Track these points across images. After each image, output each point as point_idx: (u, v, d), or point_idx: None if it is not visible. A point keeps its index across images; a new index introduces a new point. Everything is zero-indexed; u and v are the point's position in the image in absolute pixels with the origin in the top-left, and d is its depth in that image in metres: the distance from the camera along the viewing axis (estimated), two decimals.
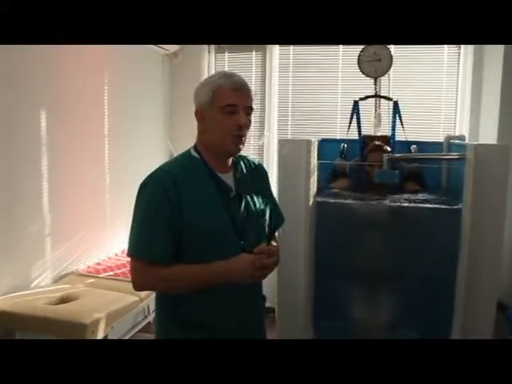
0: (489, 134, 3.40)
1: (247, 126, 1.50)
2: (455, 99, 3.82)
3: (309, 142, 2.25)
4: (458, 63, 3.78)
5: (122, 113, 3.47)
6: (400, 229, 2.29)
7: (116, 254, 3.42)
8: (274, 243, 1.64)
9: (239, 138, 1.49)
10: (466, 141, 2.93)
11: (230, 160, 1.57)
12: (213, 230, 1.47)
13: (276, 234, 1.74)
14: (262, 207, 1.63)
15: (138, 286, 1.51)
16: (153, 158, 3.49)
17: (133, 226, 1.47)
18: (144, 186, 1.48)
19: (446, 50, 3.79)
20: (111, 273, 3.06)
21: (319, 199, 2.38)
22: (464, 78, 3.76)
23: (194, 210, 1.45)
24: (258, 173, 1.67)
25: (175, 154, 1.65)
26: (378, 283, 2.32)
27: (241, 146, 1.51)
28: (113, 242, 3.42)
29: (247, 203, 1.55)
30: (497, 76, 3.29)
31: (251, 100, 1.52)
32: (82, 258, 3.16)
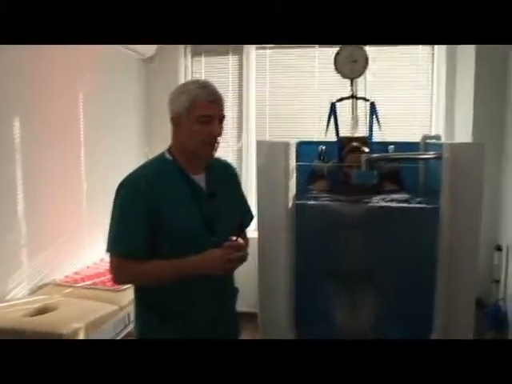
0: (464, 133, 3.44)
1: (221, 133, 1.63)
2: (430, 99, 3.87)
3: (287, 144, 2.24)
4: (433, 64, 3.84)
5: (99, 119, 3.43)
6: (379, 229, 2.29)
7: (94, 263, 3.36)
8: (240, 239, 1.71)
9: (213, 145, 1.61)
10: (442, 140, 2.95)
11: (202, 163, 1.67)
12: (186, 228, 1.59)
13: (245, 230, 1.84)
14: (233, 206, 1.76)
15: (118, 280, 1.66)
16: (130, 164, 3.41)
17: (111, 225, 1.59)
18: (120, 187, 1.59)
19: (421, 51, 3.84)
20: (90, 282, 3.01)
21: (298, 201, 2.37)
22: (438, 79, 3.81)
23: (167, 208, 1.57)
24: (228, 173, 1.80)
25: None
26: (359, 284, 2.32)
27: (214, 152, 1.64)
28: (91, 250, 3.36)
29: (218, 202, 1.66)
30: (470, 75, 3.34)
31: (224, 109, 1.64)
32: (59, 268, 3.10)
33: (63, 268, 3.13)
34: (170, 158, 1.64)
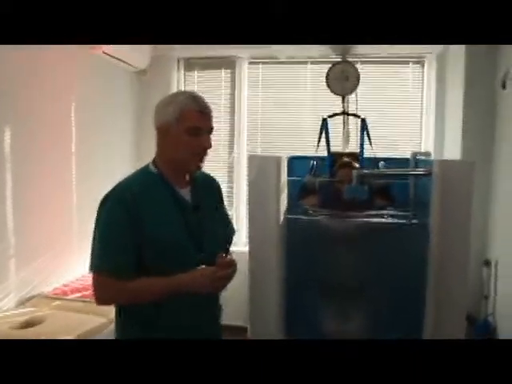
0: (453, 150, 3.49)
1: (209, 146, 1.59)
2: (420, 117, 3.92)
3: (279, 159, 2.25)
4: (422, 81, 3.90)
5: (91, 131, 3.43)
6: (370, 244, 2.30)
7: (83, 275, 3.32)
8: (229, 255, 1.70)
9: (202, 157, 1.58)
10: (432, 157, 2.99)
11: (188, 175, 1.64)
12: (172, 243, 1.53)
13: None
14: (218, 220, 1.73)
15: (102, 300, 1.55)
16: (122, 176, 3.42)
17: (94, 241, 1.52)
18: (104, 202, 1.53)
19: (411, 69, 3.90)
20: (79, 294, 2.97)
21: (290, 216, 2.38)
22: (428, 96, 3.87)
23: (153, 223, 1.51)
24: (212, 187, 1.77)
25: None
26: (349, 298, 2.32)
27: (202, 165, 1.61)
28: (80, 262, 3.33)
29: (204, 216, 1.62)
30: (459, 93, 3.39)
31: (212, 121, 1.60)
32: (48, 280, 3.06)
33: (52, 280, 3.10)
34: (155, 170, 1.60)
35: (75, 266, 3.30)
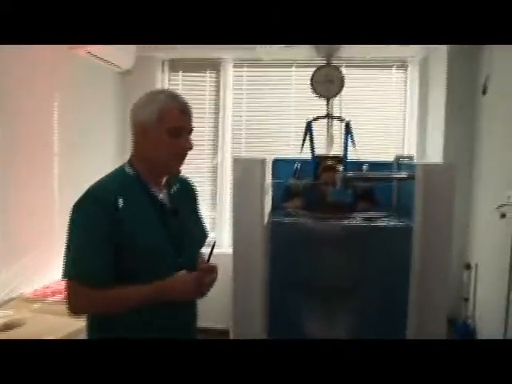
0: (435, 153, 3.53)
1: (190, 147, 1.53)
2: (403, 120, 3.96)
3: (263, 161, 2.25)
4: (405, 85, 3.94)
5: (74, 132, 3.39)
6: (354, 246, 2.32)
7: None
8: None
9: (182, 159, 1.53)
10: (415, 160, 3.02)
11: (165, 177, 1.58)
12: (152, 247, 1.46)
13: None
14: (195, 223, 1.70)
15: (76, 310, 1.47)
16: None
17: (69, 247, 1.43)
18: (79, 205, 1.45)
19: (394, 73, 3.95)
20: (60, 296, 2.93)
21: (274, 218, 2.38)
22: (411, 101, 3.92)
23: (132, 227, 1.43)
24: (188, 189, 1.72)
25: None
26: (333, 301, 2.33)
27: (182, 167, 1.55)
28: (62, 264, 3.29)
29: (182, 219, 1.57)
30: (441, 98, 3.44)
31: (192, 122, 1.55)
32: (28, 281, 3.01)
33: (32, 281, 3.05)
34: (131, 171, 1.52)
35: (58, 267, 3.25)
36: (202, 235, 1.75)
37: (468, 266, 3.29)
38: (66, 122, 3.28)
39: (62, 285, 3.05)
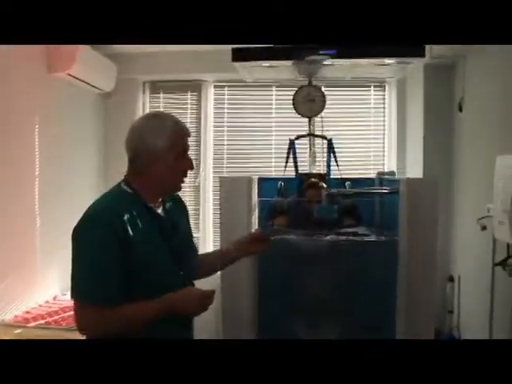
0: (414, 170, 3.61)
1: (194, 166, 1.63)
2: (383, 138, 4.05)
3: (250, 179, 2.28)
4: (384, 104, 4.03)
5: (54, 153, 3.36)
6: (341, 261, 2.34)
7: (47, 301, 3.21)
8: None
9: (186, 177, 1.60)
10: (396, 176, 3.08)
11: (163, 195, 1.62)
12: (159, 264, 1.50)
13: None
14: (190, 238, 1.76)
15: (89, 331, 1.46)
16: (87, 200, 3.36)
17: (77, 267, 1.43)
18: (84, 224, 1.45)
19: (373, 92, 4.04)
20: (42, 321, 2.86)
21: None
22: (389, 119, 4.01)
23: (136, 245, 1.44)
24: (180, 206, 1.75)
25: None
26: (321, 317, 2.34)
27: None
28: (44, 288, 3.23)
29: (180, 235, 1.62)
30: (419, 115, 3.53)
31: None
32: (8, 307, 2.94)
33: (13, 307, 2.97)
34: (130, 190, 1.54)
35: (38, 292, 3.19)
36: (195, 251, 1.81)
37: (451, 279, 3.34)
38: (45, 143, 3.25)
39: (43, 309, 3.02)
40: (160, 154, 1.52)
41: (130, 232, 1.44)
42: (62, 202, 3.35)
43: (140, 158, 1.54)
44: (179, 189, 1.63)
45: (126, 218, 1.45)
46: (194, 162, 1.63)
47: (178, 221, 1.66)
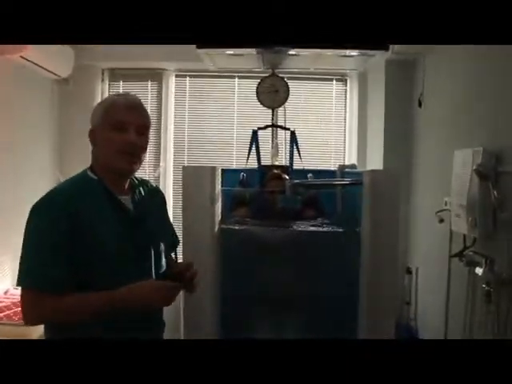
0: (374, 163, 3.66)
1: (140, 145, 1.48)
2: (343, 131, 4.09)
3: (213, 169, 2.24)
4: (345, 97, 4.07)
5: (7, 140, 3.21)
6: (303, 252, 2.34)
7: (6, 293, 3.08)
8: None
9: (130, 156, 1.46)
10: (357, 169, 3.12)
11: (128, 182, 1.55)
12: (113, 254, 1.42)
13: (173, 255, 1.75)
14: (161, 230, 1.64)
15: (32, 318, 1.41)
16: (41, 188, 3.23)
17: (24, 254, 1.37)
18: (36, 209, 1.39)
19: (334, 85, 4.07)
20: (0, 314, 2.74)
21: (224, 226, 2.37)
22: (351, 112, 4.05)
23: (93, 232, 1.39)
24: (155, 196, 1.68)
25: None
26: (284, 307, 2.34)
27: (134, 166, 1.50)
28: (2, 279, 3.09)
29: (146, 226, 1.53)
30: (379, 109, 3.58)
31: (146, 119, 1.52)
32: None
33: None
34: (94, 177, 1.48)
35: None
36: (174, 241, 1.75)
37: (409, 270, 3.41)
38: None
39: (3, 303, 2.88)
40: (96, 130, 1.47)
41: (85, 219, 1.38)
42: (13, 191, 3.20)
43: (89, 137, 1.50)
44: (123, 167, 1.47)
45: (81, 203, 1.40)
46: (143, 141, 1.49)
47: (147, 212, 1.57)
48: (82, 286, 1.37)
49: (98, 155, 1.49)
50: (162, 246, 1.61)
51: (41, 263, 1.34)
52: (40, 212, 1.39)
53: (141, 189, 1.60)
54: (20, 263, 1.37)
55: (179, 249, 1.85)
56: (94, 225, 1.40)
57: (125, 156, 1.45)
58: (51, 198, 1.42)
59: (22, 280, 1.36)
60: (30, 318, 1.40)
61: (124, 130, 1.44)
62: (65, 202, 1.39)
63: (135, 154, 1.48)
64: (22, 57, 3.09)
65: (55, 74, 3.58)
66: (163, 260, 1.60)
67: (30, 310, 1.37)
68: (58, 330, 1.43)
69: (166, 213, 1.77)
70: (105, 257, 1.40)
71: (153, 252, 1.55)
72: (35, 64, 3.26)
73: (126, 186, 1.54)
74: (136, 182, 1.61)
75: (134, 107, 1.48)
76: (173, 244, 1.76)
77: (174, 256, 1.75)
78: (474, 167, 2.18)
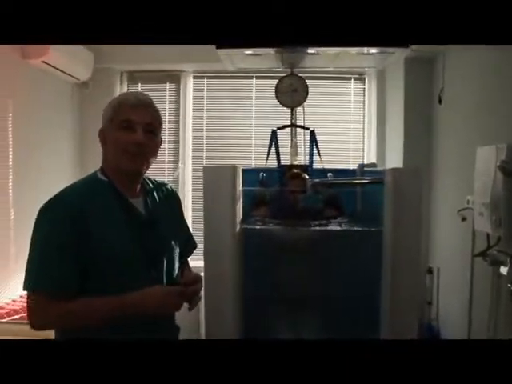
0: (394, 161, 3.63)
1: (147, 144, 1.44)
2: (362, 130, 4.07)
3: (234, 168, 2.23)
4: (364, 96, 4.05)
5: (29, 143, 3.25)
6: (325, 252, 2.33)
7: (21, 296, 3.12)
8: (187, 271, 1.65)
9: (137, 155, 1.42)
10: (377, 168, 3.09)
11: (139, 185, 1.51)
12: (122, 257, 1.40)
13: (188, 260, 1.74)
14: (174, 234, 1.60)
15: (38, 324, 1.37)
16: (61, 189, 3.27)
17: (31, 256, 1.35)
18: (44, 211, 1.38)
19: (353, 84, 4.05)
20: (17, 316, 2.78)
21: (246, 226, 2.36)
22: (369, 111, 4.02)
23: (101, 235, 1.37)
24: (169, 199, 1.64)
25: None
26: (307, 307, 2.33)
27: (141, 167, 1.46)
28: (18, 282, 3.11)
29: (158, 230, 1.50)
30: (399, 107, 3.55)
31: (154, 118, 1.48)
32: None
33: None
34: (105, 178, 1.46)
35: (12, 287, 3.10)
36: (190, 245, 1.73)
37: (430, 271, 3.37)
38: (20, 134, 3.14)
39: (18, 304, 2.94)
40: (105, 127, 1.45)
41: (93, 220, 1.36)
42: (36, 193, 3.24)
43: (99, 138, 1.49)
44: (130, 167, 1.44)
45: (90, 205, 1.38)
46: (150, 140, 1.46)
47: (160, 216, 1.54)
48: (90, 289, 1.35)
49: (107, 156, 1.47)
50: (175, 251, 1.58)
51: (49, 267, 1.32)
52: (46, 213, 1.38)
53: (155, 192, 1.57)
54: (28, 265, 1.35)
55: (200, 250, 1.83)
56: (102, 227, 1.38)
57: (131, 155, 1.42)
58: (60, 200, 1.40)
59: (29, 283, 1.34)
60: (35, 323, 1.36)
61: (131, 129, 1.41)
62: (73, 204, 1.37)
63: (142, 155, 1.45)
64: (43, 61, 3.15)
65: (75, 78, 3.63)
66: (176, 265, 1.58)
67: (35, 314, 1.35)
68: (69, 334, 1.41)
69: (182, 217, 1.74)
70: (112, 259, 1.38)
71: (164, 257, 1.51)
72: (56, 68, 3.31)
73: (138, 189, 1.52)
74: (150, 184, 1.58)
75: (142, 105, 1.45)
76: (188, 249, 1.73)
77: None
78: (498, 163, 2.14)
